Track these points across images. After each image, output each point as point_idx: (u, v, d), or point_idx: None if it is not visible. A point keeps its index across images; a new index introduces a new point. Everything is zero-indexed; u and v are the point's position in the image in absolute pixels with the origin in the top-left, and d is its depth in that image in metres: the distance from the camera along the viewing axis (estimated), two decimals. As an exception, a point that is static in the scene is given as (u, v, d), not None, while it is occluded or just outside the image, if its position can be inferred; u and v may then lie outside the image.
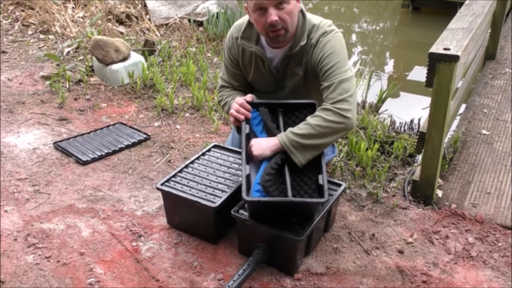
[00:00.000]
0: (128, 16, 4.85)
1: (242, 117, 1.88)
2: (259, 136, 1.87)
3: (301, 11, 1.90)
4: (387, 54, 6.14)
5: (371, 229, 2.11)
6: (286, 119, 1.94)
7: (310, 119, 1.79)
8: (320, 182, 1.75)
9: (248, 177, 1.75)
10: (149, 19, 4.85)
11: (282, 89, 2.04)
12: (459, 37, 2.14)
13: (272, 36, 1.84)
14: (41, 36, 4.54)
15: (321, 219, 1.84)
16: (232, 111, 1.90)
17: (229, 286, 1.65)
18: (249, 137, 1.87)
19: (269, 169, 1.74)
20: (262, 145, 1.81)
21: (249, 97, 1.92)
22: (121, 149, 2.76)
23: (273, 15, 1.77)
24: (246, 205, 1.84)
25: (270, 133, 1.87)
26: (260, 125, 1.91)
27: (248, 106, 1.90)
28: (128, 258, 1.94)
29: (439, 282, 1.83)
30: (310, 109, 1.92)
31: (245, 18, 2.01)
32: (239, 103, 1.90)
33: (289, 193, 1.71)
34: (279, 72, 1.99)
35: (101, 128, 2.98)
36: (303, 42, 1.88)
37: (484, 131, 2.91)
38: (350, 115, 1.77)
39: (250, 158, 1.83)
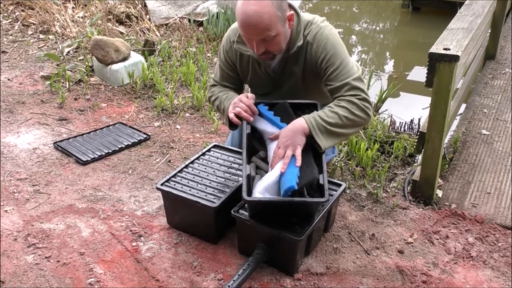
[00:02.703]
0: (128, 16, 4.85)
1: (252, 118, 1.85)
2: (280, 125, 1.84)
3: (295, 11, 1.86)
4: (387, 54, 6.13)
5: (371, 229, 2.11)
6: None
7: (337, 109, 1.79)
8: (321, 181, 1.75)
9: (248, 177, 1.75)
10: (149, 19, 4.85)
11: (280, 89, 2.03)
12: (459, 37, 2.14)
13: (261, 59, 1.88)
14: (41, 36, 4.54)
15: (321, 219, 1.84)
16: (240, 110, 1.84)
17: (229, 286, 1.65)
18: (249, 136, 1.87)
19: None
20: (297, 141, 1.75)
21: (252, 97, 1.88)
22: (121, 149, 2.76)
23: (259, 48, 1.77)
24: (246, 205, 1.84)
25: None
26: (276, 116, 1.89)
27: (255, 108, 1.87)
28: (128, 258, 1.94)
29: (439, 282, 1.83)
30: (313, 108, 1.92)
31: None
32: (247, 104, 1.85)
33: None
34: (277, 74, 1.98)
35: (101, 128, 2.98)
36: (300, 43, 1.87)
37: (484, 131, 2.91)
38: (371, 113, 1.83)
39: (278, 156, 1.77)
